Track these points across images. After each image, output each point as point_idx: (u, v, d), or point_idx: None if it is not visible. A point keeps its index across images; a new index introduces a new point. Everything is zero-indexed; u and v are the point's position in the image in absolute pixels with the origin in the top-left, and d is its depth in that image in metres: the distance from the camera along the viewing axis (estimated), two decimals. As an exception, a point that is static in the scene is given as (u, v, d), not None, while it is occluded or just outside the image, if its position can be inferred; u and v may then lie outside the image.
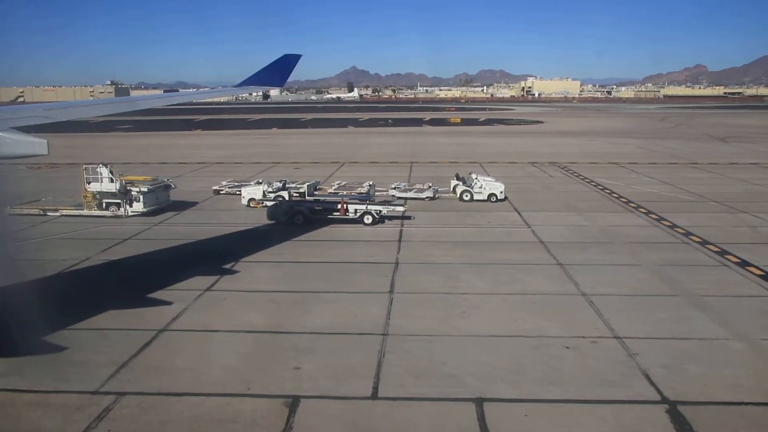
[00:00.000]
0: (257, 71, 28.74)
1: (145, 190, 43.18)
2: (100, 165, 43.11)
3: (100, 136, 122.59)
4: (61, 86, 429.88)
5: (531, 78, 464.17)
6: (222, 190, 52.08)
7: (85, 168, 43.36)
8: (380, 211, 40.80)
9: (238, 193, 50.66)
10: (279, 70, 28.97)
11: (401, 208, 41.98)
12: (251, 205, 46.24)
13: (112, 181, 42.62)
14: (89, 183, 42.90)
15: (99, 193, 42.84)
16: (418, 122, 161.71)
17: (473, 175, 50.74)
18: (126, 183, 43.14)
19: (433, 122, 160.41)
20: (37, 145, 17.10)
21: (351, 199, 43.22)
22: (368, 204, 41.46)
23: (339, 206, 40.67)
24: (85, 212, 43.07)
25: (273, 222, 40.53)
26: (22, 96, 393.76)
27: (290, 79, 30.63)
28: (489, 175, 51.95)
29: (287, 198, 45.28)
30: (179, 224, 41.23)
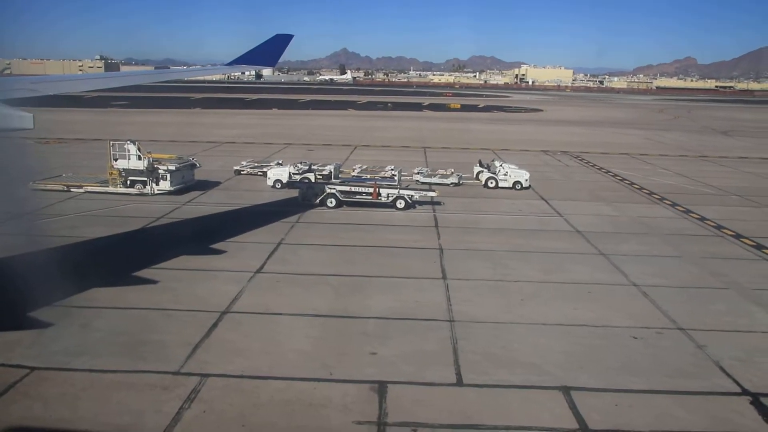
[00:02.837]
0: (249, 50, 28.49)
1: (173, 168, 42.72)
2: (128, 142, 42.54)
3: (99, 112, 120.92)
4: (49, 59, 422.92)
5: (524, 65, 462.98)
6: (243, 171, 51.70)
7: (112, 144, 42.75)
8: (413, 196, 40.69)
9: (260, 174, 50.45)
10: (271, 50, 28.70)
11: (433, 194, 41.93)
12: (276, 185, 45.94)
13: (139, 158, 42.11)
14: (116, 160, 42.33)
15: (125, 170, 42.32)
16: (418, 107, 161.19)
17: (497, 162, 50.70)
18: (153, 161, 42.61)
19: (433, 107, 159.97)
20: (23, 118, 16.60)
21: (380, 183, 43.01)
22: (401, 188, 41.29)
23: (372, 190, 40.47)
24: (111, 189, 42.57)
25: (304, 203, 40.25)
26: (9, 68, 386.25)
27: (281, 59, 30.42)
28: (510, 163, 51.85)
29: (313, 180, 45.02)
30: (208, 204, 40.89)
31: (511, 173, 48.31)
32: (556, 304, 24.21)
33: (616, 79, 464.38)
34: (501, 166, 49.26)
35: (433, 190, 42.67)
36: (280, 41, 28.97)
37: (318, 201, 40.18)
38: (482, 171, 50.32)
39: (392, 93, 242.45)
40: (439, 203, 42.01)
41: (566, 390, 17.80)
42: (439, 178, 49.57)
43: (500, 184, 48.12)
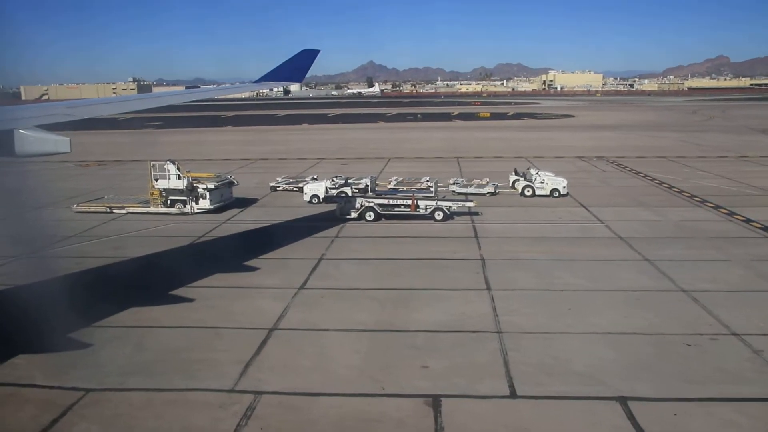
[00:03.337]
0: (276, 67, 28.71)
1: (212, 187, 43.29)
2: (168, 161, 43.27)
3: (134, 134, 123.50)
4: (84, 83, 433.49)
5: (552, 71, 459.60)
6: (279, 187, 52.18)
7: (153, 164, 43.50)
8: (451, 207, 40.62)
9: (295, 189, 50.87)
10: (298, 66, 28.88)
11: (471, 204, 41.81)
12: (313, 201, 46.23)
13: (179, 177, 42.76)
14: (156, 180, 43.05)
15: (166, 190, 42.99)
16: (447, 117, 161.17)
17: (533, 170, 50.36)
18: (192, 180, 43.22)
19: (462, 117, 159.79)
20: (59, 142, 16.93)
21: (418, 194, 43.00)
22: (438, 200, 41.25)
23: (410, 202, 40.49)
24: (152, 209, 43.27)
25: (342, 218, 40.43)
26: (47, 94, 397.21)
27: (309, 74, 30.64)
28: (546, 170, 51.40)
29: (350, 194, 45.20)
30: (247, 221, 41.32)
31: (548, 181, 47.94)
32: (605, 313, 23.89)
33: (646, 81, 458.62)
34: (537, 174, 48.92)
35: (471, 201, 42.55)
36: (307, 56, 29.24)
37: (356, 215, 40.31)
38: (518, 179, 50.04)
39: (420, 104, 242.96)
40: (476, 213, 41.85)
41: (623, 400, 17.52)
42: (475, 188, 49.40)
43: (537, 192, 47.76)
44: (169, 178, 42.81)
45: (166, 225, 40.09)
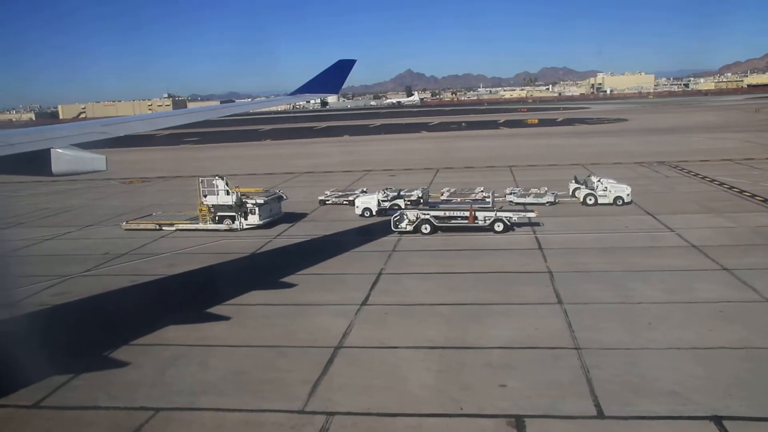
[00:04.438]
0: (312, 79, 28.73)
1: (261, 202, 43.84)
2: (216, 177, 44.01)
3: (172, 150, 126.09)
4: (120, 101, 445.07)
5: (600, 74, 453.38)
6: (328, 200, 52.58)
7: (201, 181, 44.27)
8: (511, 217, 40.34)
9: (345, 202, 51.19)
10: (334, 77, 28.85)
11: (532, 214, 41.49)
12: (365, 214, 46.43)
13: (228, 193, 43.42)
14: (205, 196, 43.77)
15: (214, 206, 43.69)
16: (494, 124, 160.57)
17: (594, 178, 49.73)
18: (241, 195, 43.83)
19: (510, 124, 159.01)
20: (96, 161, 17.13)
21: (475, 205, 42.86)
22: (497, 210, 41.04)
23: (468, 213, 40.36)
24: (201, 226, 43.99)
25: (398, 231, 40.48)
26: (84, 112, 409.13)
27: (345, 85, 30.60)
28: (607, 178, 50.64)
29: (402, 206, 45.30)
30: (298, 236, 41.72)
31: (610, 188, 47.28)
32: (688, 326, 23.34)
33: (702, 80, 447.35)
34: (599, 181, 48.29)
35: (532, 211, 42.21)
36: (343, 67, 29.33)
37: (412, 228, 40.32)
38: (579, 188, 49.50)
39: (463, 112, 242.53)
40: (538, 224, 41.50)
41: (718, 420, 17.05)
42: (534, 197, 49.01)
43: (600, 201, 47.13)
44: (217, 194, 43.51)
45: (217, 241, 40.76)
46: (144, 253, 38.57)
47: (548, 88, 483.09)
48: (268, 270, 33.75)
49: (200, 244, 40.14)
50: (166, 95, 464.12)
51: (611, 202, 46.93)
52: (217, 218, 44.03)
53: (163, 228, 44.80)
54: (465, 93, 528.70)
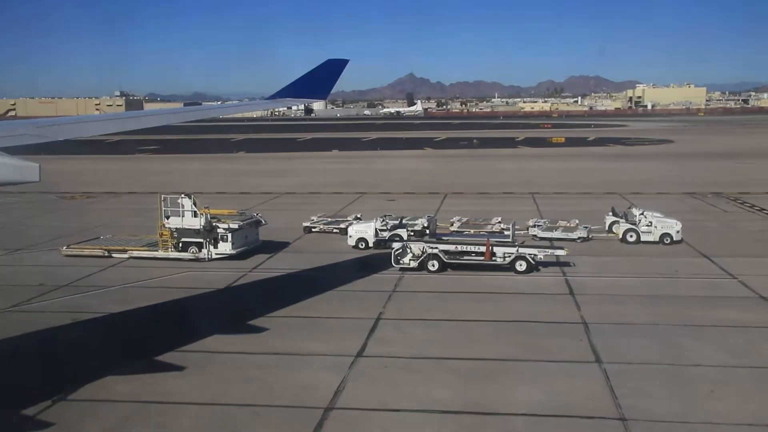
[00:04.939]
0: (295, 81, 28.73)
1: (235, 227, 43.59)
2: (182, 195, 43.75)
3: (124, 160, 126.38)
4: (61, 98, 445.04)
5: (640, 85, 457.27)
6: (314, 228, 52.40)
7: (164, 199, 44.03)
8: (536, 255, 40.16)
9: (336, 231, 51.06)
10: (322, 79, 28.87)
11: (561, 252, 41.34)
12: (359, 246, 46.23)
13: (195, 215, 43.18)
14: (168, 217, 43.51)
15: (179, 230, 43.41)
16: (510, 142, 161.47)
17: (635, 210, 49.68)
18: (211, 218, 43.59)
19: (531, 142, 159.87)
20: (26, 170, 16.06)
21: (493, 239, 42.73)
22: (519, 246, 40.89)
23: (484, 249, 40.20)
24: (160, 254, 43.66)
25: (400, 268, 40.25)
26: (14, 109, 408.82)
27: (334, 89, 30.48)
28: (651, 210, 50.58)
29: (405, 237, 45.15)
30: (278, 270, 41.51)
31: (656, 223, 47.26)
32: (759, 397, 23.02)
33: (766, 95, 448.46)
34: (642, 214, 48.23)
35: (561, 248, 42.09)
36: (333, 68, 29.25)
37: (416, 264, 40.10)
38: (617, 221, 49.45)
39: (475, 126, 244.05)
40: (568, 264, 41.36)
41: None
42: (562, 231, 48.94)
43: (643, 238, 47.12)
44: (182, 216, 43.25)
45: (180, 273, 40.44)
46: (88, 285, 38.20)
47: (577, 101, 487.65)
48: (240, 310, 33.34)
49: (159, 276, 39.78)
50: (118, 93, 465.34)
51: (657, 240, 46.89)
52: (180, 245, 43.73)
53: (113, 255, 44.45)
54: (477, 104, 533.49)
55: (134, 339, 29.73)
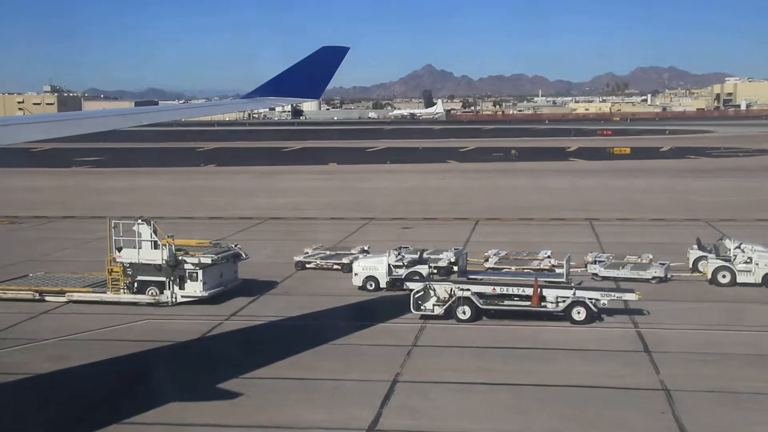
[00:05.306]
0: (279, 74, 28.88)
1: (207, 262, 43.68)
2: (139, 221, 43.79)
3: (58, 175, 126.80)
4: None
5: (730, 79, 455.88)
6: (309, 263, 52.58)
7: (114, 226, 44.12)
8: (598, 300, 40.09)
9: (336, 267, 51.33)
10: (314, 72, 29.03)
11: (631, 296, 41.17)
12: (368, 286, 46.27)
13: (156, 246, 43.27)
14: (120, 249, 43.61)
15: (133, 265, 43.51)
16: (559, 154, 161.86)
17: (729, 242, 49.56)
18: (176, 250, 43.66)
19: (585, 153, 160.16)
20: None
21: (541, 278, 42.70)
22: (577, 288, 40.85)
23: (531, 291, 40.19)
24: (109, 296, 43.77)
25: (421, 315, 40.30)
26: None
27: (330, 86, 31.09)
28: (753, 243, 50.31)
29: (427, 275, 45.20)
30: (262, 318, 41.76)
31: (758, 259, 47.08)
32: None
33: None
34: (739, 248, 48.15)
35: (631, 291, 41.93)
36: (328, 58, 29.12)
37: (443, 310, 40.09)
38: (705, 257, 49.36)
39: (513, 133, 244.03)
40: (640, 311, 41.32)
41: None
42: (632, 269, 48.88)
43: (740, 279, 46.94)
44: (139, 247, 43.32)
45: (134, 322, 40.49)
46: (13, 338, 38.17)
47: (645, 100, 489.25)
48: (214, 369, 33.36)
49: (107, 326, 39.81)
50: (48, 89, 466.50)
51: (759, 281, 46.72)
52: (136, 285, 43.81)
53: (47, 298, 44.51)
54: (515, 104, 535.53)
55: (71, 409, 29.54)
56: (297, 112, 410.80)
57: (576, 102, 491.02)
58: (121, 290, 43.76)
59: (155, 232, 43.81)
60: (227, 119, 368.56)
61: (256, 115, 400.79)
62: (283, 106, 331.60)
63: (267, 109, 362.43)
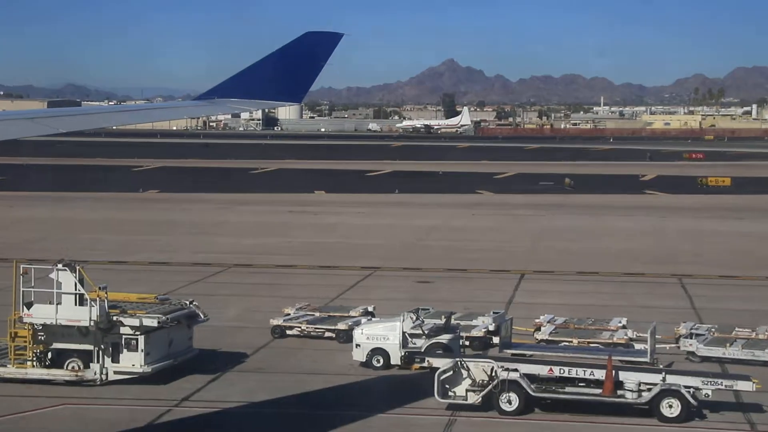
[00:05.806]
0: (246, 68, 28.83)
1: (152, 323, 43.21)
2: (59, 266, 43.29)
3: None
4: None
5: None
6: (292, 328, 52.25)
7: (24, 272, 43.64)
8: (698, 389, 39.53)
9: (329, 335, 51.04)
10: (294, 67, 28.86)
11: (745, 386, 40.59)
12: (374, 362, 45.86)
13: (82, 301, 42.73)
14: (29, 305, 43.10)
15: (48, 327, 43.05)
16: (631, 183, 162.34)
17: None
18: (110, 306, 43.20)
19: (667, 184, 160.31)
20: None
21: (615, 355, 42.27)
22: (667, 372, 40.36)
23: (601, 374, 39.68)
24: (11, 370, 43.23)
25: (448, 402, 39.96)
26: None
27: (316, 86, 31.03)
28: None
29: (456, 349, 44.86)
30: (225, 403, 41.20)
31: None
32: None
33: None
34: None
35: (746, 378, 41.39)
36: (315, 48, 28.69)
37: (480, 397, 39.63)
38: None
39: (564, 154, 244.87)
40: (758, 407, 40.77)
41: None
42: (743, 347, 48.42)
43: None
44: (58, 302, 42.79)
45: (43, 410, 39.97)
46: None
47: (749, 112, 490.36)
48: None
49: (7, 413, 39.17)
50: None
51: None
52: (51, 355, 43.45)
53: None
54: (567, 114, 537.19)
55: None
56: (270, 121, 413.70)
57: (651, 113, 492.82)
58: (29, 363, 43.21)
59: (81, 281, 43.26)
60: (175, 128, 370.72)
61: (214, 124, 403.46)
62: (251, 112, 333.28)
63: (229, 116, 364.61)
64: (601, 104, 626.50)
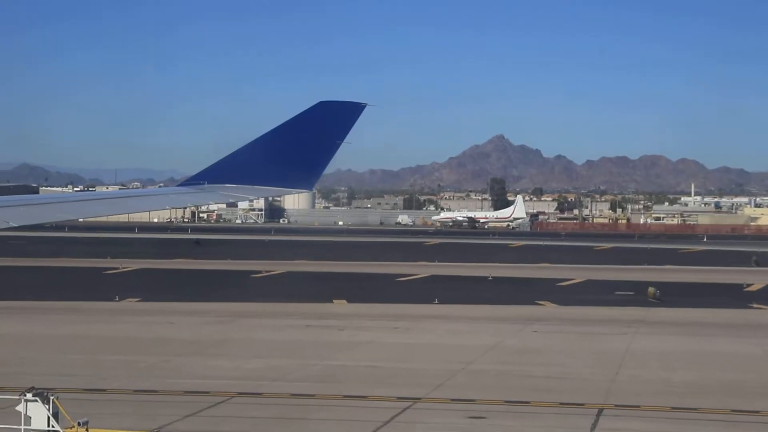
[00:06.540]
0: (243, 146, 29.24)
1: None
2: (27, 395, 43.28)
3: None
4: None
5: None
6: None
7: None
8: None
9: None
10: (305, 146, 29.10)
11: None
12: None
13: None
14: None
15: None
16: (733, 294, 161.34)
17: None
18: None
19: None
20: None
21: None
22: None
23: None
24: None
25: None
26: None
27: (331, 168, 31.60)
28: None
29: None
30: None
31: None
32: None
33: None
34: None
35: None
36: (331, 122, 28.80)
37: None
38: None
39: (646, 256, 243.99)
40: None
41: None
42: None
43: None
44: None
45: None
46: None
47: None
48: None
49: None
50: None
51: None
52: None
53: None
54: (648, 206, 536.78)
55: None
56: (275, 212, 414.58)
57: (756, 206, 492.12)
58: None
59: (56, 415, 43.37)
60: (156, 220, 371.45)
61: (205, 215, 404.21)
62: (251, 201, 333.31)
63: (223, 205, 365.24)
64: (692, 193, 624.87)
